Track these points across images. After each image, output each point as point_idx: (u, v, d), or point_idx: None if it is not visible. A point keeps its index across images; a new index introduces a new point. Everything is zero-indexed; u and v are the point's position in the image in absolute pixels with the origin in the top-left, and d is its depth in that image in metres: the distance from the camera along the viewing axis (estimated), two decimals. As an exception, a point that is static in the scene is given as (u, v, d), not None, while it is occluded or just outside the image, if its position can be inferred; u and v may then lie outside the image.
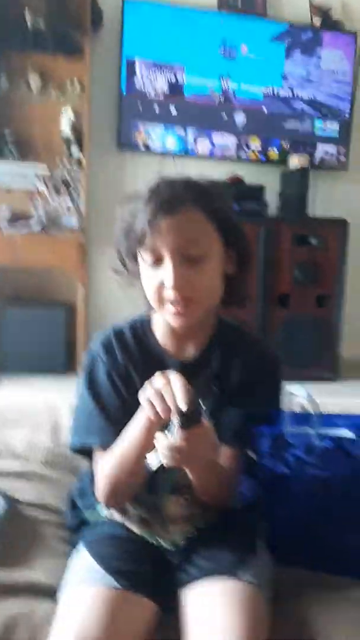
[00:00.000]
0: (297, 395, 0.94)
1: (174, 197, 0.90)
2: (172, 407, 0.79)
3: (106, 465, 0.93)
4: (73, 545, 1.02)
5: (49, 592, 0.91)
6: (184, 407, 0.77)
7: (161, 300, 0.92)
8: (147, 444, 0.84)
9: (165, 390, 0.80)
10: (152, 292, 0.93)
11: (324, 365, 3.47)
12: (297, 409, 0.97)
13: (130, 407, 0.94)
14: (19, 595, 0.90)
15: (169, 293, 0.90)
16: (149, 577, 0.87)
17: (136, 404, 0.89)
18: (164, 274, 0.90)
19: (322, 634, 0.86)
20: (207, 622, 0.80)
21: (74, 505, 1.09)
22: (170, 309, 0.92)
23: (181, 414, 0.77)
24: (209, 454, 0.85)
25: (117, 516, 0.99)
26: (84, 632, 0.75)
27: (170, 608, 0.86)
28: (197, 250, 0.90)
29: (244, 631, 0.77)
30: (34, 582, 0.93)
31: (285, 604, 0.91)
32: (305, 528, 0.96)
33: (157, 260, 0.91)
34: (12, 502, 1.09)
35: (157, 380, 0.82)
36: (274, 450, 0.92)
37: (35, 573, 0.95)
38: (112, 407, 0.96)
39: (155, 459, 0.82)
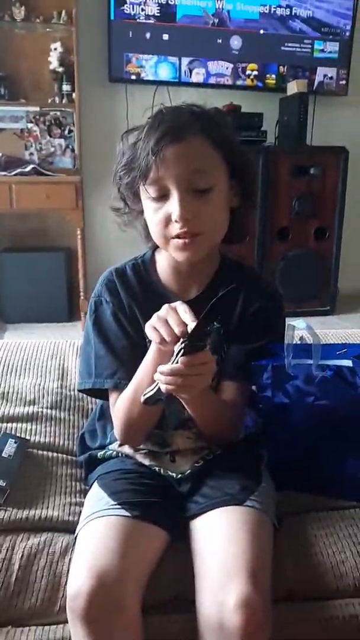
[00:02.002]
0: (297, 327, 0.95)
1: (179, 124, 0.86)
2: (176, 331, 0.78)
3: (120, 406, 0.95)
4: (85, 482, 1.06)
5: (66, 528, 0.95)
6: (190, 327, 0.76)
7: (167, 235, 0.90)
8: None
9: (170, 315, 0.79)
10: (157, 227, 0.90)
11: (322, 299, 3.46)
12: (298, 341, 0.98)
13: (137, 347, 0.94)
14: (37, 531, 0.94)
15: (175, 227, 0.88)
16: (159, 507, 0.90)
17: (142, 344, 0.89)
18: (170, 207, 0.87)
19: (325, 551, 0.91)
20: (216, 550, 0.82)
21: (84, 445, 1.12)
22: (176, 243, 0.90)
23: (185, 338, 0.76)
24: (206, 382, 0.83)
25: (127, 450, 1.01)
26: (98, 561, 0.77)
27: (181, 536, 0.89)
28: (204, 181, 0.87)
29: (252, 558, 0.79)
30: (51, 519, 0.96)
31: (287, 526, 0.95)
32: (304, 455, 0.98)
33: (162, 194, 0.88)
34: (23, 443, 1.12)
35: (163, 309, 0.82)
36: (274, 381, 0.93)
37: (51, 510, 0.98)
38: (121, 347, 0.97)
39: (152, 389, 0.81)
